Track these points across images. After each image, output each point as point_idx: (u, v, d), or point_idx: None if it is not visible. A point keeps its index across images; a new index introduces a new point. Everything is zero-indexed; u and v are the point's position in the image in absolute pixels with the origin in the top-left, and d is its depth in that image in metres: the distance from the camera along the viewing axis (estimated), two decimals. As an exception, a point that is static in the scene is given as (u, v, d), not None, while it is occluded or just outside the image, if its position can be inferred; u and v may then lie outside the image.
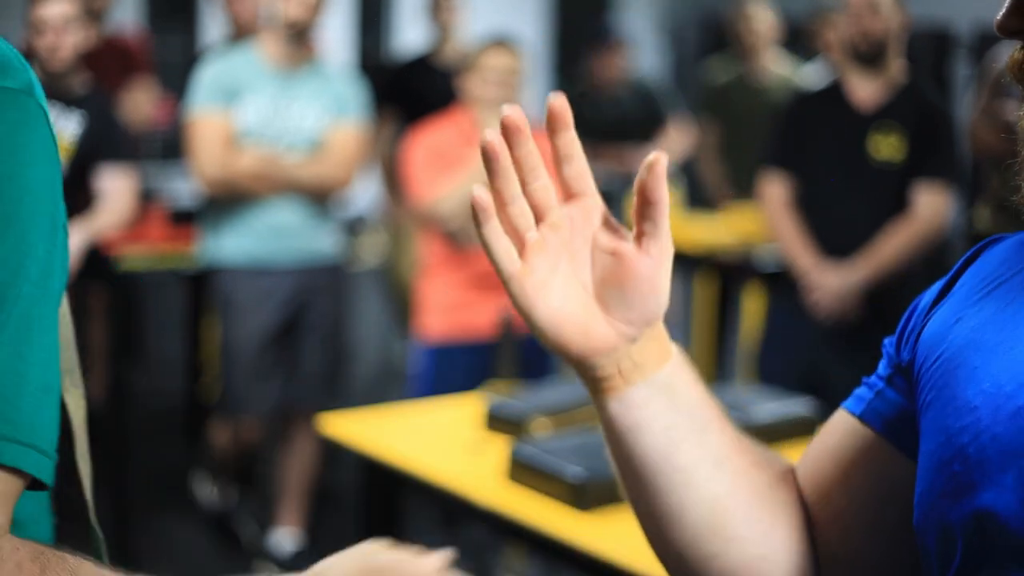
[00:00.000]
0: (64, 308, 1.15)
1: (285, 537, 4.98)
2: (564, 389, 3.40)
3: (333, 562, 1.39)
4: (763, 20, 7.07)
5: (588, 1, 12.79)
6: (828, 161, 4.68)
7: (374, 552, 1.38)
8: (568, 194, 1.22)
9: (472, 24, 7.37)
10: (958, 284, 1.23)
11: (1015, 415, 1.03)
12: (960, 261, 1.26)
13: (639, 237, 1.18)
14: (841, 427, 1.35)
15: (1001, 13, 1.07)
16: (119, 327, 5.75)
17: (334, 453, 5.07)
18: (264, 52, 4.84)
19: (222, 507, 5.26)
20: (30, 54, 4.89)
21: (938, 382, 1.16)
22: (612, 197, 7.00)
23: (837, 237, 4.61)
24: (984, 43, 9.81)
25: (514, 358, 3.59)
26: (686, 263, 6.39)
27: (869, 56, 4.59)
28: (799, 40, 7.96)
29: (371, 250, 7.77)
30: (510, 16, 11.40)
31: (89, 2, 5.58)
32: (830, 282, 4.52)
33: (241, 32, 6.37)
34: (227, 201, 4.82)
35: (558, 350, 1.22)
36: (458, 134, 4.72)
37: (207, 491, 5.39)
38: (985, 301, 1.16)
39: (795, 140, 4.76)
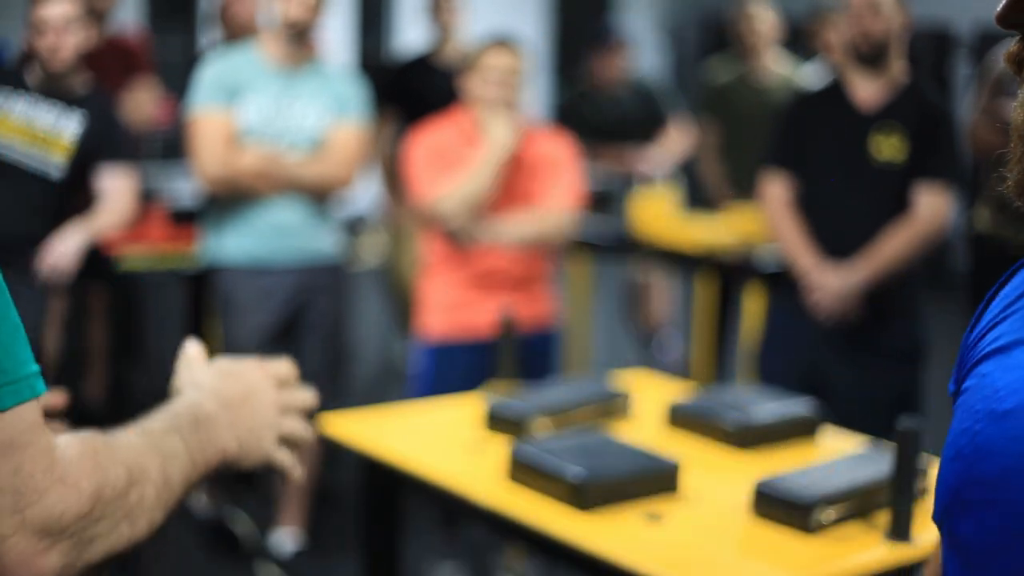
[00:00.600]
0: None
1: (285, 537, 4.98)
2: (565, 389, 3.40)
3: (192, 374, 1.66)
4: (765, 20, 7.07)
5: (588, 1, 12.80)
6: (829, 161, 4.68)
7: (224, 362, 1.68)
8: None
9: (472, 24, 7.37)
10: (995, 302, 1.25)
11: (1002, 418, 1.06)
12: (997, 283, 1.28)
13: None
14: None
15: (1001, 5, 1.08)
16: (119, 327, 5.75)
17: (334, 453, 5.08)
18: (265, 52, 4.84)
19: (221, 508, 5.26)
20: (31, 54, 4.90)
21: (961, 392, 1.19)
22: (612, 197, 7.01)
23: (838, 237, 4.61)
24: (984, 43, 9.82)
25: (515, 358, 3.59)
26: (686, 263, 6.39)
27: (870, 56, 4.59)
28: (798, 40, 7.96)
29: (371, 250, 7.78)
30: (510, 16, 11.40)
31: (91, 2, 5.58)
32: (830, 282, 4.52)
33: (238, 33, 6.37)
34: (228, 200, 4.82)
35: None
36: (459, 134, 4.72)
37: (204, 492, 5.40)
38: (1006, 312, 1.18)
39: (796, 140, 4.76)
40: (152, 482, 1.35)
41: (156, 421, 1.47)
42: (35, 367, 1.20)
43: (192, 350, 1.72)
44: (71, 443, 1.26)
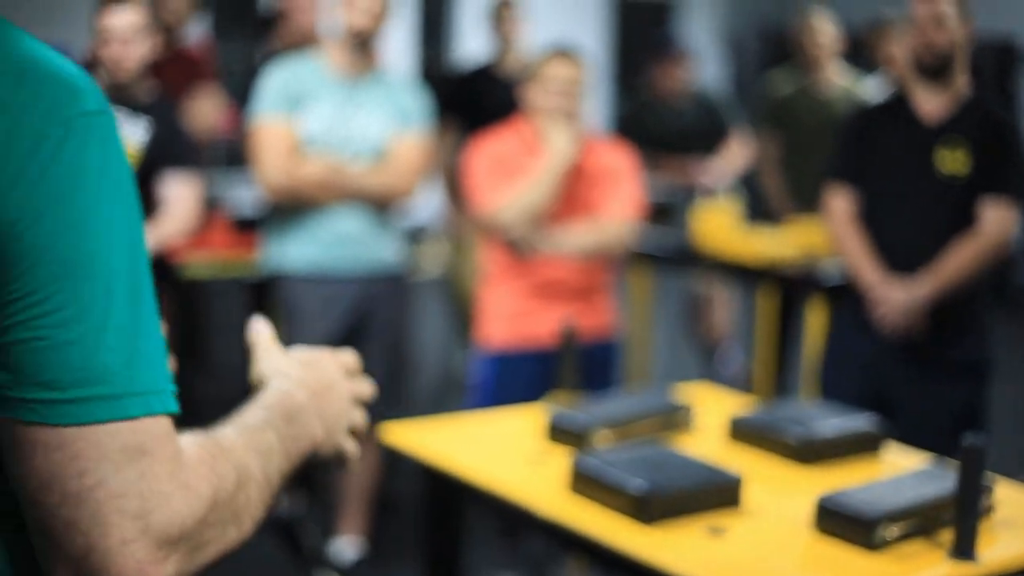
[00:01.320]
0: None
1: (347, 545, 5.00)
2: (627, 401, 3.40)
3: (275, 362, 1.72)
4: (827, 32, 7.04)
5: (649, 11, 12.78)
6: (893, 175, 4.65)
7: (301, 351, 1.76)
8: None
9: (534, 34, 7.38)
10: None
11: None
12: None
13: None
14: None
15: None
16: (183, 333, 5.78)
17: (396, 462, 5.09)
18: (328, 61, 4.87)
19: (286, 514, 5.29)
20: (96, 63, 4.94)
21: None
22: (674, 209, 7.00)
23: (902, 251, 4.58)
24: (1050, 56, 9.74)
25: (576, 368, 3.59)
26: (748, 276, 6.37)
27: (934, 69, 4.56)
28: (859, 52, 7.92)
29: (433, 260, 7.80)
30: (571, 26, 11.40)
31: (163, 16, 5.62)
32: (895, 297, 4.50)
33: (298, 42, 6.40)
34: (290, 209, 4.84)
35: None
36: (520, 143, 4.73)
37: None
38: None
39: (859, 153, 4.73)
40: (255, 481, 1.38)
41: (251, 415, 1.49)
42: (171, 387, 1.23)
43: (262, 333, 1.76)
44: (190, 446, 1.28)
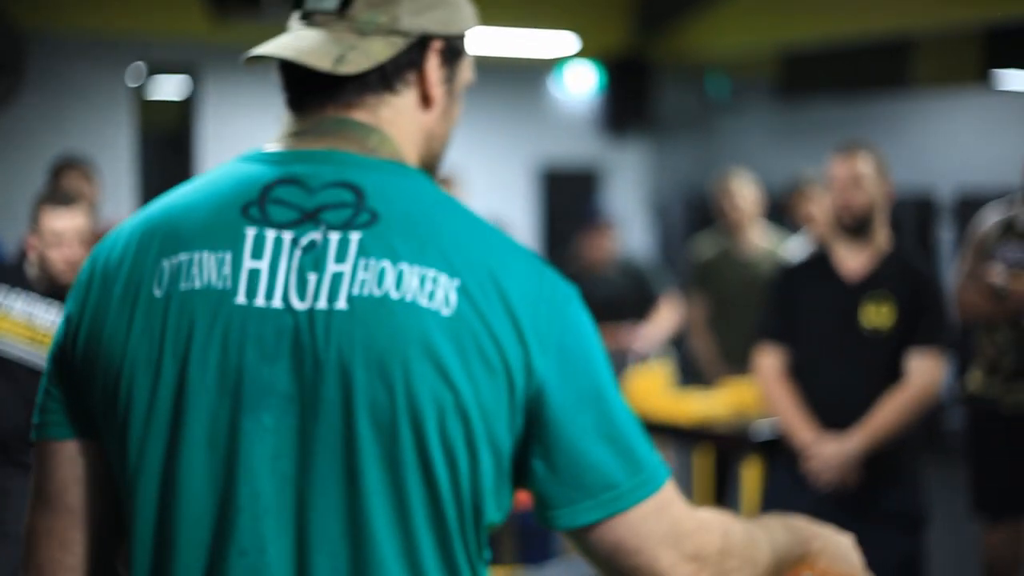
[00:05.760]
0: None
1: None
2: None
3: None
4: (746, 195, 7.14)
5: (575, 182, 12.95)
6: (819, 332, 4.72)
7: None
8: None
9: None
10: None
11: None
12: None
13: None
14: None
15: None
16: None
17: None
18: None
19: None
20: (41, 260, 4.90)
21: None
22: (607, 375, 7.01)
23: (833, 406, 4.63)
24: (967, 208, 9.95)
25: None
26: (682, 437, 6.39)
27: (854, 228, 4.65)
28: (781, 213, 8.03)
29: None
30: (500, 198, 11.52)
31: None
32: (828, 452, 4.54)
33: None
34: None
35: None
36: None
37: None
38: None
39: (786, 312, 4.80)
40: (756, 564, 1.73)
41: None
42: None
43: None
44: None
